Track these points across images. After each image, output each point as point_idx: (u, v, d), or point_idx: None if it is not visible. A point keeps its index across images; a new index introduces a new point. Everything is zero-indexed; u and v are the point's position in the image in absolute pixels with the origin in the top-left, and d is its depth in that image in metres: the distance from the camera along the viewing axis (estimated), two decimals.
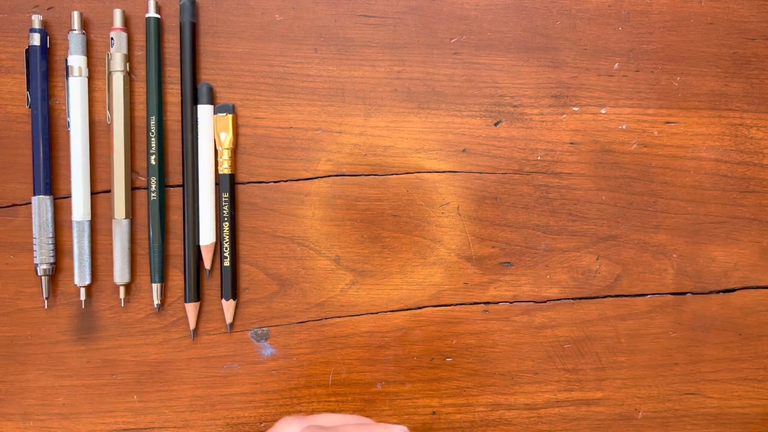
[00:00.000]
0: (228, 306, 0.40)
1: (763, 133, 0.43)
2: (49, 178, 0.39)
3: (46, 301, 0.39)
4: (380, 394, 0.41)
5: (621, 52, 0.42)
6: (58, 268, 0.40)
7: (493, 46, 0.41)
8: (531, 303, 0.42)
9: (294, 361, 0.41)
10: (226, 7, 0.40)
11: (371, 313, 0.41)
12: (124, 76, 0.39)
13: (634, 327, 0.43)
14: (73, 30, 0.38)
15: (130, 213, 0.39)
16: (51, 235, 0.39)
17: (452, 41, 0.41)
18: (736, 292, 0.43)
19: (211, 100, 0.40)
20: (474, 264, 0.42)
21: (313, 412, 0.41)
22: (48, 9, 0.39)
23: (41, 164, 0.38)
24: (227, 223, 0.39)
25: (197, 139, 0.39)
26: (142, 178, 0.40)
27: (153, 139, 0.39)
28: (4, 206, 0.39)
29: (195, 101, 0.39)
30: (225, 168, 0.39)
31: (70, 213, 0.39)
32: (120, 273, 0.39)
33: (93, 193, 0.39)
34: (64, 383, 0.40)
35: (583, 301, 0.42)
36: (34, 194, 0.39)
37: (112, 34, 0.39)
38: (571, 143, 0.42)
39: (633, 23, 0.42)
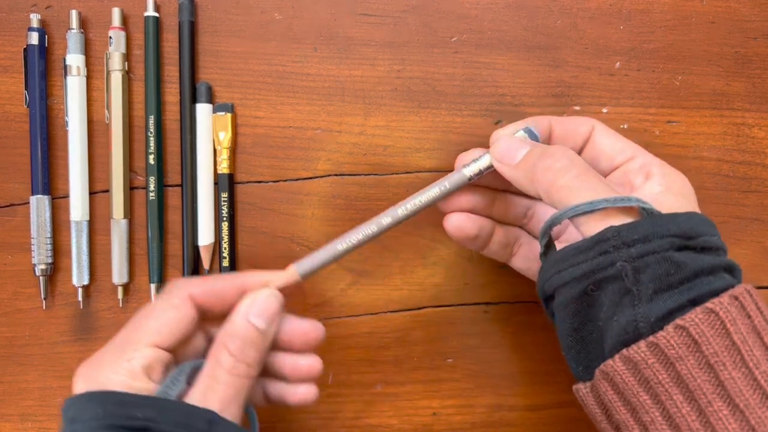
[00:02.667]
0: None
1: (765, 133, 0.42)
2: (48, 178, 0.39)
3: (44, 302, 0.39)
4: (380, 395, 0.41)
5: (622, 51, 0.41)
6: (56, 268, 0.39)
7: (494, 45, 0.41)
8: (532, 303, 0.42)
9: None
10: (225, 6, 0.40)
11: (371, 314, 0.41)
12: (122, 76, 0.39)
13: None
14: (72, 29, 0.38)
15: (129, 213, 0.39)
16: (49, 235, 0.38)
17: (453, 40, 0.41)
18: None
19: (210, 100, 0.39)
20: (474, 264, 0.41)
21: (312, 413, 0.41)
22: (46, 8, 0.39)
23: (39, 164, 0.38)
24: (226, 223, 0.39)
25: (196, 138, 0.39)
26: (141, 178, 0.40)
27: (152, 138, 0.39)
28: (2, 206, 0.39)
29: (194, 100, 0.39)
30: (224, 167, 0.39)
31: (68, 213, 0.39)
32: (118, 273, 0.39)
33: (91, 193, 0.39)
34: (63, 384, 0.40)
35: None
36: (32, 194, 0.38)
37: (111, 33, 0.39)
38: None
39: (634, 22, 0.41)
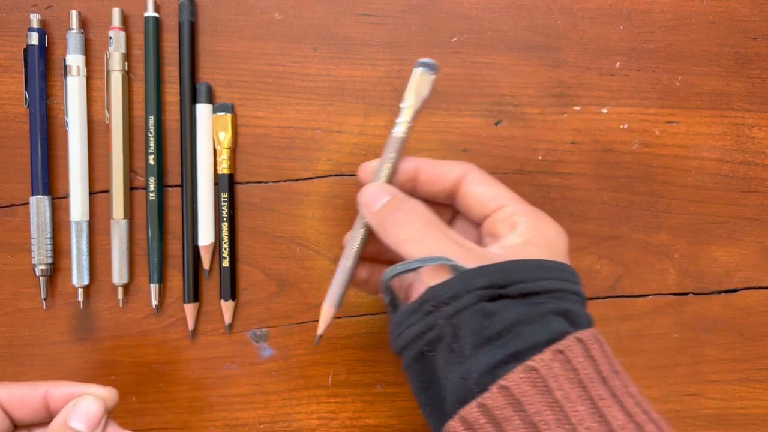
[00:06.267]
0: (227, 307, 0.40)
1: (765, 133, 0.42)
2: (48, 178, 0.39)
3: (44, 302, 0.39)
4: (380, 396, 0.41)
5: (622, 51, 0.41)
6: (56, 269, 0.39)
7: (494, 45, 0.41)
8: None
9: (293, 362, 0.41)
10: (225, 6, 0.40)
11: (371, 314, 0.41)
12: (122, 76, 0.39)
13: (635, 328, 0.42)
14: (72, 29, 0.38)
15: (129, 213, 0.39)
16: (49, 235, 0.38)
17: (453, 40, 0.41)
18: (737, 293, 0.43)
19: (210, 100, 0.39)
20: None
21: (312, 413, 0.41)
22: (46, 8, 0.39)
23: (39, 164, 0.38)
24: (226, 223, 0.39)
25: (196, 138, 0.39)
26: (141, 178, 0.40)
27: (152, 138, 0.39)
28: (2, 206, 0.39)
29: (194, 101, 0.39)
30: (224, 168, 0.39)
31: (68, 213, 0.39)
32: (118, 273, 0.39)
33: (91, 193, 0.39)
34: None
35: None
36: (32, 194, 0.38)
37: (111, 33, 0.39)
38: (573, 143, 0.41)
39: (634, 22, 0.41)
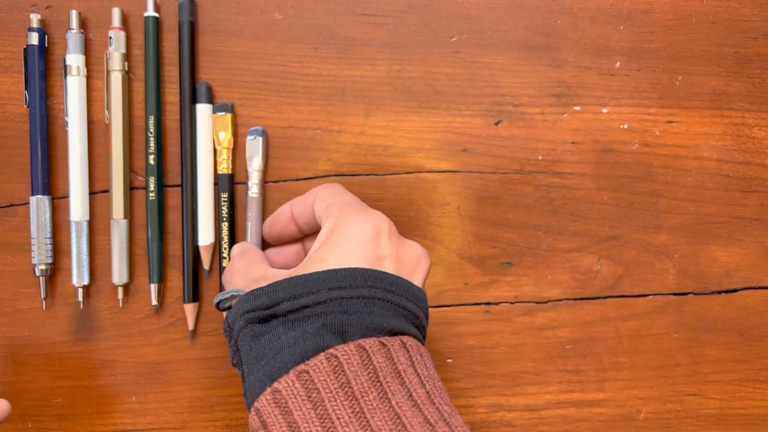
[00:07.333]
0: None
1: (765, 133, 0.42)
2: (48, 178, 0.39)
3: (44, 302, 0.39)
4: None
5: (622, 51, 0.41)
6: (56, 269, 0.39)
7: (494, 45, 0.41)
8: (532, 304, 0.42)
9: None
10: (225, 6, 0.40)
11: None
12: (122, 76, 0.39)
13: (635, 328, 0.42)
14: (72, 29, 0.38)
15: (129, 213, 0.39)
16: (49, 235, 0.38)
17: (453, 40, 0.41)
18: (737, 293, 0.43)
19: (210, 100, 0.39)
20: (474, 264, 0.41)
21: None
22: (46, 8, 0.39)
23: (39, 164, 0.38)
24: (226, 223, 0.39)
25: (196, 138, 0.39)
26: (141, 178, 0.40)
27: (152, 138, 0.39)
28: (2, 206, 0.39)
29: (194, 101, 0.39)
30: (224, 168, 0.39)
31: (68, 213, 0.39)
32: (118, 273, 0.39)
33: (91, 193, 0.39)
34: (63, 384, 0.40)
35: (584, 301, 0.42)
36: (32, 194, 0.38)
37: (111, 33, 0.39)
38: (573, 143, 0.41)
39: (634, 22, 0.41)
